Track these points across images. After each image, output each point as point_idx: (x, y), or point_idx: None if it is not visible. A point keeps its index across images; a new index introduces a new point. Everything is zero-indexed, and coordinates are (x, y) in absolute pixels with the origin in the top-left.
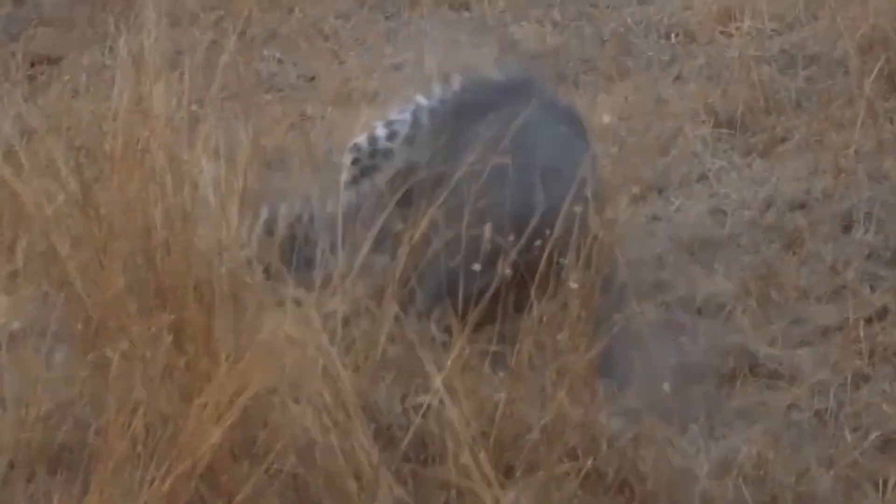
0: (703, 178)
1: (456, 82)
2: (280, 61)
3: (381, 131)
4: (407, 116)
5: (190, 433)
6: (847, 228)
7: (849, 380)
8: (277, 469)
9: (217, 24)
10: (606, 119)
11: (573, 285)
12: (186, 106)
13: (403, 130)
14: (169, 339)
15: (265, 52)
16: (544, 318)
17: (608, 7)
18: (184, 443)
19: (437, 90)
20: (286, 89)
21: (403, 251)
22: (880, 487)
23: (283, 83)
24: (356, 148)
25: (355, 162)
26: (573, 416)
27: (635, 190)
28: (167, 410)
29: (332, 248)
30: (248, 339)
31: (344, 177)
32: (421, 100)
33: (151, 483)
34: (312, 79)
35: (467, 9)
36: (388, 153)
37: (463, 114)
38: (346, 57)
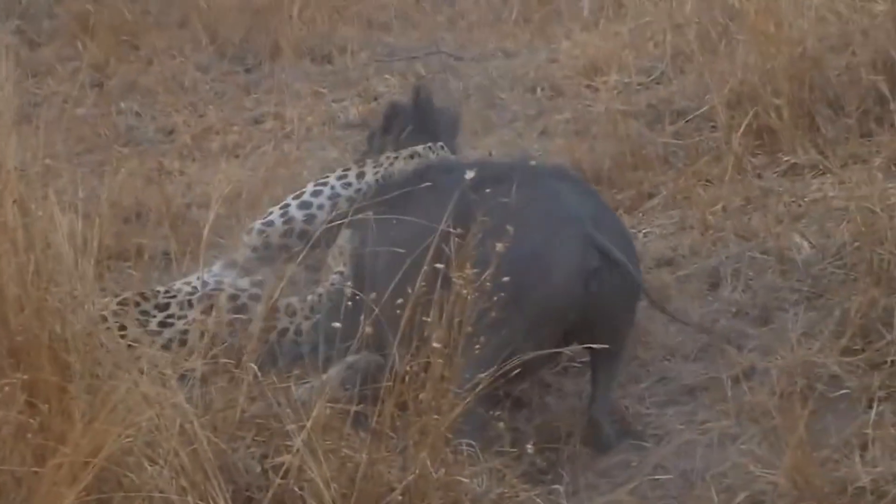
0: None
1: (370, 174)
2: (138, 114)
3: (297, 213)
4: (324, 202)
5: (44, 495)
6: (714, 286)
7: (715, 440)
8: None
9: (74, 75)
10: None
11: (437, 345)
12: (41, 159)
13: (321, 216)
14: (22, 398)
15: (123, 105)
16: (407, 378)
17: (472, 60)
18: None
19: (353, 180)
20: (144, 143)
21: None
22: None
23: (141, 136)
24: (269, 224)
25: (263, 235)
26: (435, 476)
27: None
28: (20, 472)
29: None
30: (104, 398)
31: (248, 253)
32: (337, 186)
33: None
34: (171, 132)
35: (329, 61)
36: (303, 235)
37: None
38: (206, 110)
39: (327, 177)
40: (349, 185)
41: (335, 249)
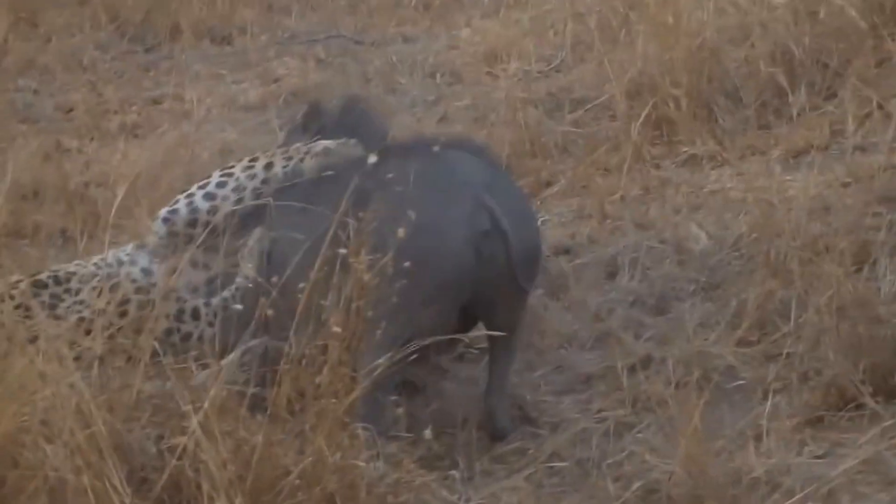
0: None
1: (278, 166)
2: (36, 92)
3: (201, 203)
4: (228, 193)
5: None
6: (612, 275)
7: (611, 429)
8: None
9: None
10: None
11: (335, 329)
12: None
13: (226, 207)
14: None
15: (20, 82)
16: (304, 361)
17: (373, 44)
18: None
19: (259, 172)
20: (42, 121)
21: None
22: None
23: (39, 114)
24: (175, 212)
25: (169, 224)
26: (331, 460)
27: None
28: None
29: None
30: (0, 375)
31: (154, 241)
32: (242, 178)
33: None
34: (70, 111)
35: (229, 43)
36: (207, 226)
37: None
38: (105, 89)
39: (233, 166)
40: (254, 176)
41: (245, 250)
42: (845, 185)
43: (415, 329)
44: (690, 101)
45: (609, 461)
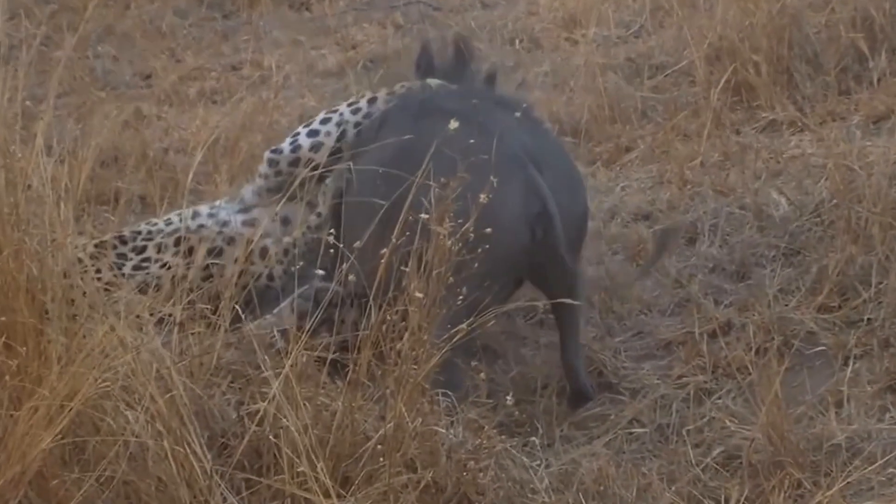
0: None
1: (381, 101)
2: (115, 58)
3: (304, 140)
4: (332, 129)
5: (19, 438)
6: (691, 241)
7: (691, 394)
8: (109, 476)
9: (52, 18)
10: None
11: (417, 294)
12: (20, 102)
13: (329, 143)
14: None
15: (100, 49)
16: (384, 327)
17: (451, 10)
18: (13, 448)
19: (363, 105)
20: (121, 87)
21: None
22: None
23: (119, 81)
24: (278, 151)
25: (273, 164)
26: (412, 426)
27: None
28: None
29: None
30: (81, 341)
31: (260, 182)
32: (346, 112)
33: None
34: (148, 77)
35: (307, 9)
36: (309, 164)
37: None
38: (183, 55)
39: (339, 104)
40: (358, 110)
41: (321, 189)
42: None
43: (477, 299)
44: (770, 66)
45: (689, 427)
